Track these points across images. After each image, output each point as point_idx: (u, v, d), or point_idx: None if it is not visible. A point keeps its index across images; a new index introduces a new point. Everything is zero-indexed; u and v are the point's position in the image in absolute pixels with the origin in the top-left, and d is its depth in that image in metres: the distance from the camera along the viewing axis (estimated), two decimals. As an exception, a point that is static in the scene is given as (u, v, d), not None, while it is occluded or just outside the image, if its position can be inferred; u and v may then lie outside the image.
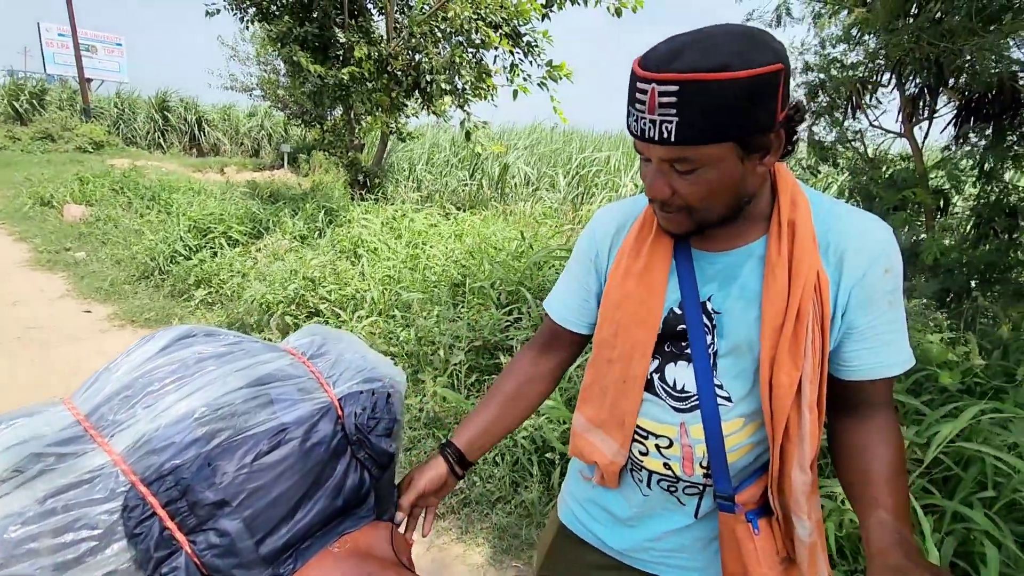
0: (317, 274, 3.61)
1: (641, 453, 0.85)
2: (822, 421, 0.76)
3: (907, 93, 3.01)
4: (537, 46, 6.26)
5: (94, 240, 5.43)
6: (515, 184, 9.17)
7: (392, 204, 6.55)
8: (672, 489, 0.84)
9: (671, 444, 0.82)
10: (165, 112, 17.07)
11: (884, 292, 0.74)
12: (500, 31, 5.79)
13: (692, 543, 0.87)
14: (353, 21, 6.62)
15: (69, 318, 3.76)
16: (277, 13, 6.41)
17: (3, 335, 3.42)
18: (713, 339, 0.79)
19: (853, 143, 3.36)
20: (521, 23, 5.92)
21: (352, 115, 7.80)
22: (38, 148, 12.58)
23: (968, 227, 2.99)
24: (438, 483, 0.90)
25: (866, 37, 2.96)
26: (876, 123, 3.38)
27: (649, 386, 0.83)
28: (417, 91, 6.68)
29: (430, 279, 3.82)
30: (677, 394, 0.81)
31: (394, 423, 0.89)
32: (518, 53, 6.27)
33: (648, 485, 0.86)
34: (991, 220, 2.78)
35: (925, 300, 2.69)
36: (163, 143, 16.62)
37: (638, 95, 0.66)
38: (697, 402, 0.80)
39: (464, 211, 6.20)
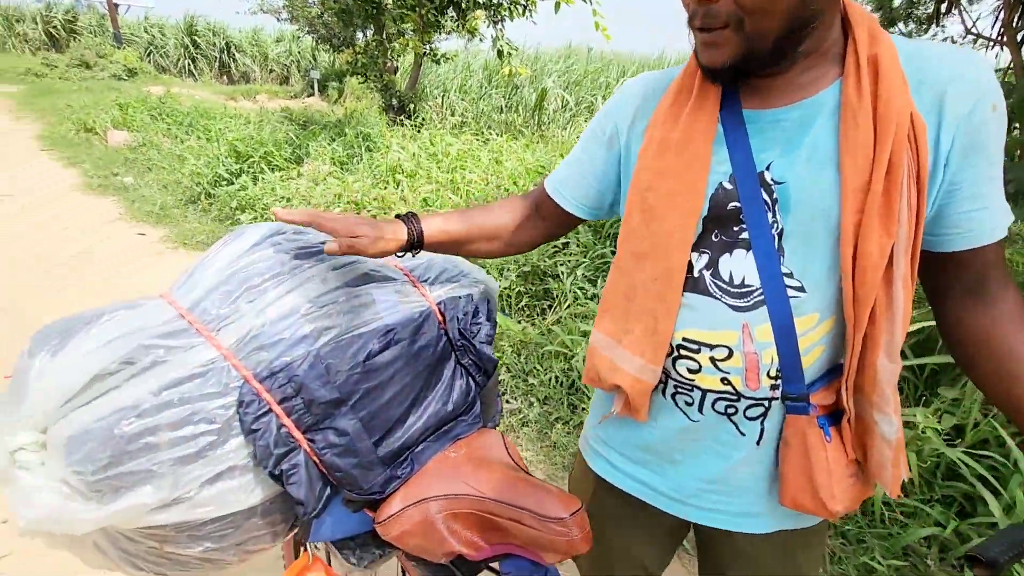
0: (361, 197, 3.55)
1: (691, 371, 0.70)
2: (911, 299, 0.64)
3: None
4: (584, -47, 5.73)
5: (139, 165, 5.46)
6: (551, 111, 8.76)
7: (428, 129, 6.35)
8: (731, 410, 0.70)
9: (730, 354, 0.67)
10: (194, 38, 16.77)
11: (993, 134, 0.60)
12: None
13: (754, 481, 0.72)
14: (385, -71, 6.17)
15: (125, 240, 3.83)
16: (306, -78, 6.00)
17: (65, 256, 3.52)
18: (775, 216, 0.64)
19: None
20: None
21: (384, 35, 7.45)
22: (75, 75, 12.57)
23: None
24: (387, 233, 0.72)
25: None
26: (973, 29, 3.01)
27: (698, 285, 0.68)
28: (451, 7, 6.29)
29: (473, 203, 3.74)
30: (735, 289, 0.67)
31: (494, 329, 0.84)
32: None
33: (699, 409, 0.71)
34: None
35: None
36: (194, 70, 16.43)
37: None
38: (762, 296, 0.65)
39: (502, 137, 5.97)
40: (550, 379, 2.25)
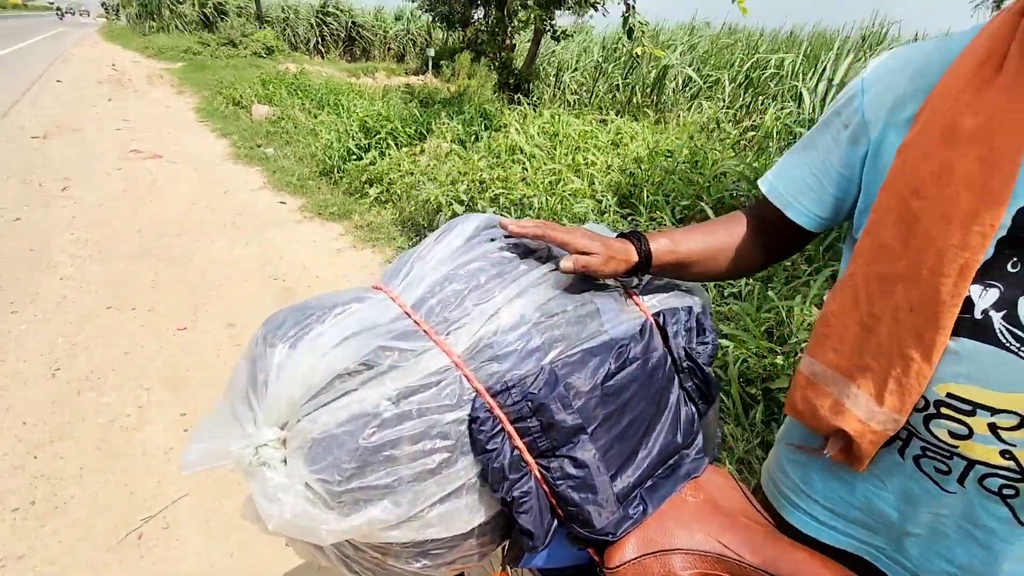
0: (486, 176, 3.54)
1: (955, 435, 0.56)
2: None
3: None
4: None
5: (279, 138, 5.88)
6: (671, 90, 8.27)
7: (545, 108, 6.25)
8: (1008, 491, 0.55)
9: (1021, 424, 0.52)
10: (324, 17, 17.84)
11: None
12: None
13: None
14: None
15: (269, 207, 4.15)
16: None
17: (222, 217, 3.88)
18: None
19: None
20: None
21: (506, 11, 7.38)
22: (223, 53, 13.85)
23: None
24: (618, 253, 0.65)
25: None
26: None
27: (982, 330, 0.52)
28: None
29: (596, 188, 3.60)
30: None
31: (716, 348, 0.73)
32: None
33: (960, 481, 0.57)
34: None
35: None
36: (321, 48, 17.52)
37: None
38: None
39: (620, 117, 5.72)
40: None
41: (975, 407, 0.54)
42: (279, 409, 0.54)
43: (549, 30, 7.14)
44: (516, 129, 4.60)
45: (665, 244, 0.70)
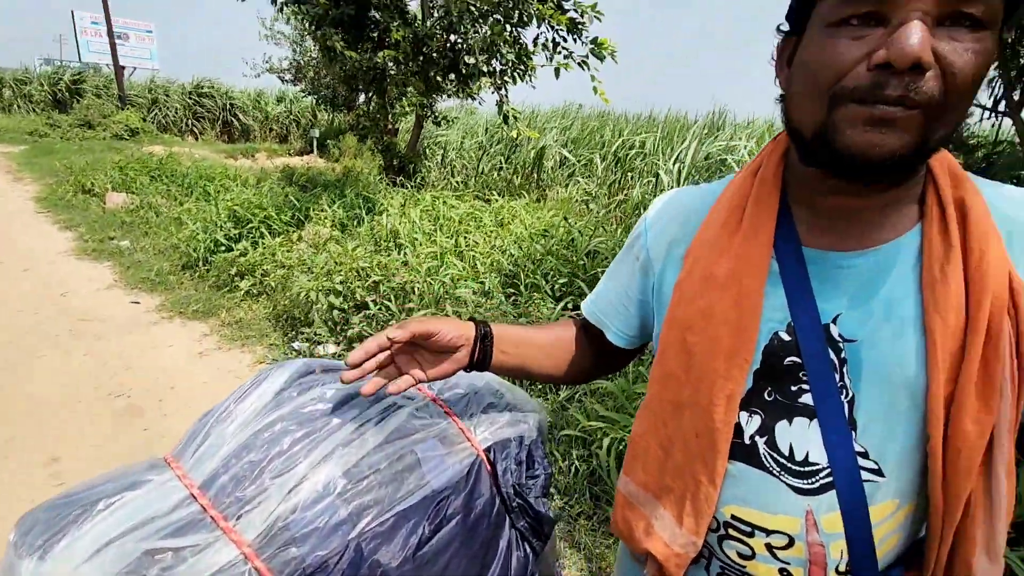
0: (364, 264, 3.47)
1: (742, 556, 0.60)
2: (1014, 488, 0.53)
3: (1009, 67, 2.70)
4: (583, 22, 5.96)
5: (137, 229, 5.40)
6: (550, 168, 8.92)
7: (428, 190, 6.39)
8: None
9: (790, 543, 0.57)
10: (199, 98, 17.27)
11: None
12: (547, 3, 5.53)
13: None
14: (389, 1, 6.42)
15: (119, 309, 3.71)
16: (312, -6, 6.23)
17: (55, 327, 3.38)
18: (844, 380, 0.54)
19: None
20: (572, -2, 5.64)
21: (387, 99, 7.64)
22: (77, 135, 12.77)
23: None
24: (457, 333, 0.67)
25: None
26: (975, 103, 3.07)
27: (750, 455, 0.58)
28: (453, 73, 6.47)
29: (479, 270, 3.67)
30: (797, 467, 0.56)
31: (550, 479, 0.73)
32: (560, 29, 5.99)
33: None
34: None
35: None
36: (196, 130, 16.81)
37: None
38: (830, 479, 0.55)
39: (502, 196, 6.00)
40: (570, 467, 2.11)
41: (753, 528, 0.58)
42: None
43: (430, 116, 7.46)
44: (397, 213, 4.63)
45: (506, 328, 0.73)
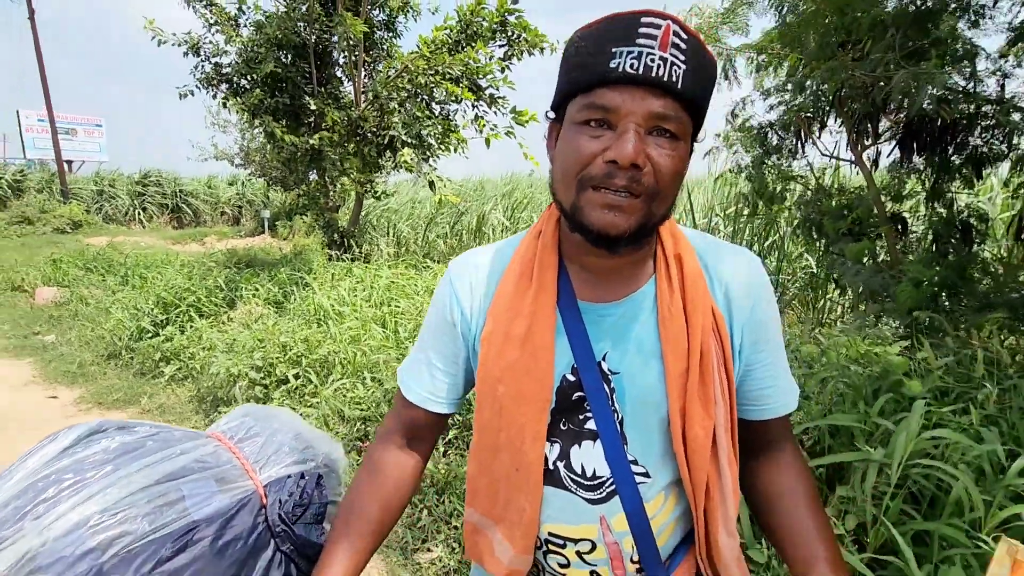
0: (286, 339, 3.54)
1: (561, 566, 0.72)
2: (737, 474, 0.70)
3: (852, 120, 3.13)
4: (501, 97, 6.46)
5: (64, 322, 5.32)
6: (491, 232, 9.27)
7: (368, 262, 6.56)
8: None
9: (593, 547, 0.69)
10: (146, 186, 17.29)
11: (773, 322, 0.71)
12: (461, 85, 6.00)
13: None
14: (323, 88, 6.83)
15: (34, 405, 3.62)
16: (248, 87, 6.58)
17: (-39, 430, 3.28)
18: (614, 405, 0.68)
19: (801, 177, 3.46)
20: (480, 76, 6.14)
21: (327, 178, 7.94)
22: (14, 232, 12.53)
23: (926, 245, 3.05)
24: None
25: (807, 82, 3.09)
26: (826, 153, 3.50)
27: (553, 479, 0.70)
28: (389, 150, 6.83)
29: (402, 335, 3.77)
30: (589, 482, 0.68)
31: (325, 506, 0.84)
32: (481, 105, 6.46)
33: None
34: (947, 238, 2.84)
35: (894, 321, 2.71)
36: (143, 218, 16.72)
37: (645, 29, 0.57)
38: (613, 487, 0.67)
39: (441, 263, 6.22)
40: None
41: (564, 540, 0.70)
42: None
43: (370, 191, 7.76)
44: (327, 287, 4.74)
45: (350, 564, 0.71)
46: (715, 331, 0.67)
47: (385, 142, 6.63)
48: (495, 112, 6.52)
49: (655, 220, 0.63)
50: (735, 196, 4.74)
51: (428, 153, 6.83)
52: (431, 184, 6.58)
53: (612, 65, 0.57)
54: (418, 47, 6.10)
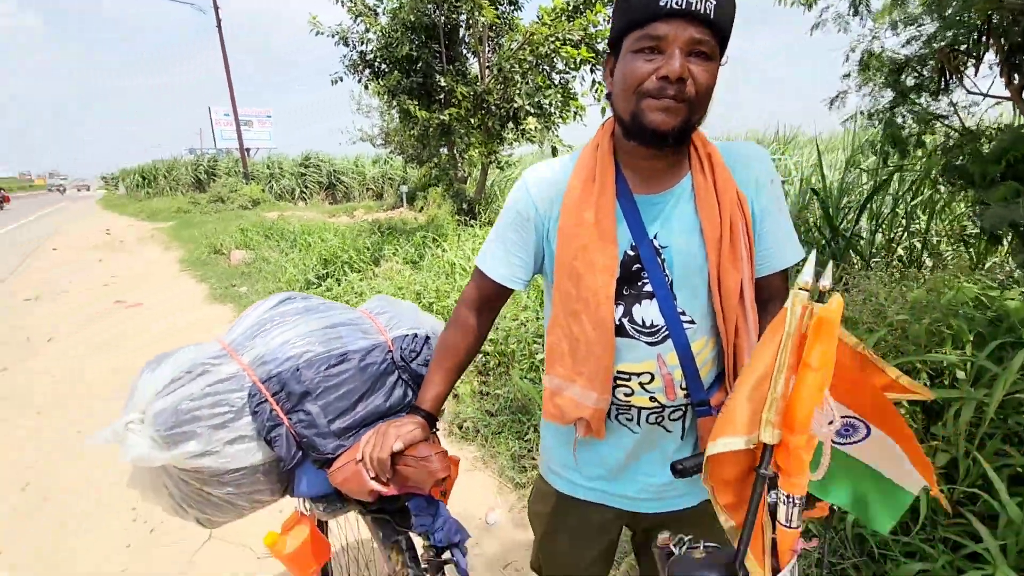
0: (420, 288, 4.09)
1: (626, 395, 0.91)
2: (757, 319, 0.88)
3: (1006, 52, 2.78)
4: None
5: (252, 277, 6.54)
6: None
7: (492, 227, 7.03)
8: (659, 420, 0.92)
9: (652, 378, 0.88)
10: (306, 168, 19.74)
11: (776, 200, 0.90)
12: (580, 49, 6.11)
13: None
14: (451, 66, 7.36)
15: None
16: (387, 70, 7.31)
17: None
18: (665, 272, 0.87)
19: (943, 119, 3.13)
20: (598, 40, 6.19)
21: (455, 151, 8.55)
22: (212, 208, 15.15)
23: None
24: (421, 436, 0.95)
25: (948, 10, 2.79)
26: (974, 91, 3.13)
27: (621, 331, 0.88)
28: (512, 121, 7.20)
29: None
30: (648, 330, 0.87)
31: (431, 357, 1.18)
32: (600, 69, 6.53)
33: (638, 423, 0.92)
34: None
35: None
36: (304, 195, 19.17)
37: None
38: (667, 332, 0.87)
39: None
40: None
41: (630, 375, 0.90)
42: (141, 402, 0.98)
43: (494, 162, 8.22)
44: (451, 248, 5.27)
45: (435, 401, 0.99)
46: (739, 207, 0.86)
47: (508, 113, 6.99)
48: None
49: (694, 122, 0.82)
50: (859, 145, 4.35)
51: (549, 122, 7.07)
52: (554, 150, 6.83)
53: (662, 3, 0.75)
54: (539, 17, 6.32)
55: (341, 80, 7.45)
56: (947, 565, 1.56)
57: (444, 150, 8.71)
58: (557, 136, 7.24)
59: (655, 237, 0.88)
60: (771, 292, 0.92)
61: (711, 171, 0.87)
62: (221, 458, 0.97)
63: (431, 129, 7.28)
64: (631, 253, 0.88)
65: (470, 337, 1.03)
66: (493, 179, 10.03)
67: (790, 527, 0.49)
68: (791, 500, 0.48)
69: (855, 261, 3.74)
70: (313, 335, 1.09)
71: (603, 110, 6.74)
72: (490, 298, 1.02)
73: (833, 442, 0.53)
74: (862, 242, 3.98)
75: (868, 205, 3.96)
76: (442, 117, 6.91)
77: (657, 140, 0.81)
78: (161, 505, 1.05)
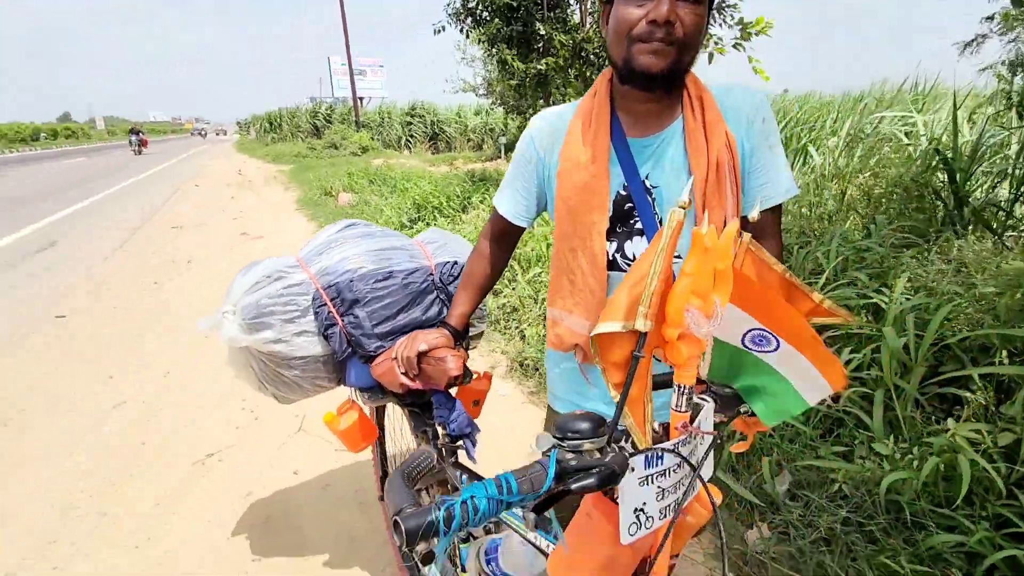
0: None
1: None
2: None
3: None
4: (731, 5, 5.99)
5: (356, 218, 7.10)
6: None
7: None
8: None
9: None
10: (412, 117, 20.43)
11: (766, 137, 0.92)
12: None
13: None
14: (552, 13, 7.22)
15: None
16: (488, 18, 7.32)
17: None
18: (655, 210, 0.92)
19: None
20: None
21: (551, 102, 8.48)
22: (327, 154, 16.30)
23: None
24: (444, 343, 1.09)
25: None
26: None
27: (613, 265, 0.95)
28: (609, 70, 6.97)
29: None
30: None
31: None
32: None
33: None
34: None
35: None
36: (410, 144, 19.95)
37: None
38: None
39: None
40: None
41: None
42: (234, 297, 1.24)
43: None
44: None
45: (462, 318, 1.14)
46: (728, 147, 0.88)
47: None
48: (720, 23, 6.09)
49: (684, 64, 0.86)
50: (990, 95, 3.77)
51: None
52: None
53: None
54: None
55: (444, 29, 7.59)
56: (984, 540, 1.51)
57: (541, 101, 8.67)
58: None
59: (646, 177, 0.92)
60: (762, 228, 0.95)
61: (701, 113, 0.90)
62: (290, 346, 1.21)
63: (528, 80, 7.26)
64: (623, 193, 0.93)
65: (488, 265, 1.15)
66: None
67: (679, 411, 0.59)
68: (680, 388, 0.59)
69: (981, 236, 3.32)
70: (368, 255, 1.29)
71: (711, 57, 6.33)
72: (503, 232, 1.13)
73: (747, 347, 0.62)
74: (1000, 213, 3.50)
75: (1015, 171, 3.45)
76: (539, 67, 6.86)
77: (648, 82, 0.86)
78: (248, 382, 1.33)
